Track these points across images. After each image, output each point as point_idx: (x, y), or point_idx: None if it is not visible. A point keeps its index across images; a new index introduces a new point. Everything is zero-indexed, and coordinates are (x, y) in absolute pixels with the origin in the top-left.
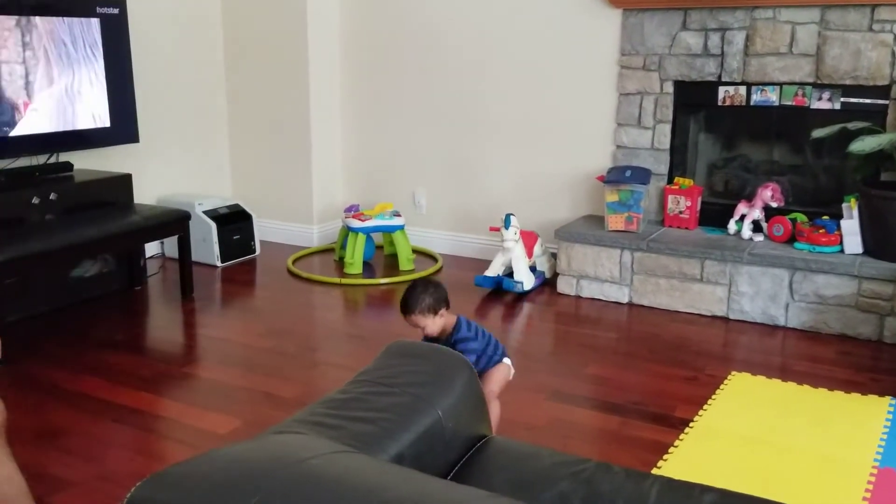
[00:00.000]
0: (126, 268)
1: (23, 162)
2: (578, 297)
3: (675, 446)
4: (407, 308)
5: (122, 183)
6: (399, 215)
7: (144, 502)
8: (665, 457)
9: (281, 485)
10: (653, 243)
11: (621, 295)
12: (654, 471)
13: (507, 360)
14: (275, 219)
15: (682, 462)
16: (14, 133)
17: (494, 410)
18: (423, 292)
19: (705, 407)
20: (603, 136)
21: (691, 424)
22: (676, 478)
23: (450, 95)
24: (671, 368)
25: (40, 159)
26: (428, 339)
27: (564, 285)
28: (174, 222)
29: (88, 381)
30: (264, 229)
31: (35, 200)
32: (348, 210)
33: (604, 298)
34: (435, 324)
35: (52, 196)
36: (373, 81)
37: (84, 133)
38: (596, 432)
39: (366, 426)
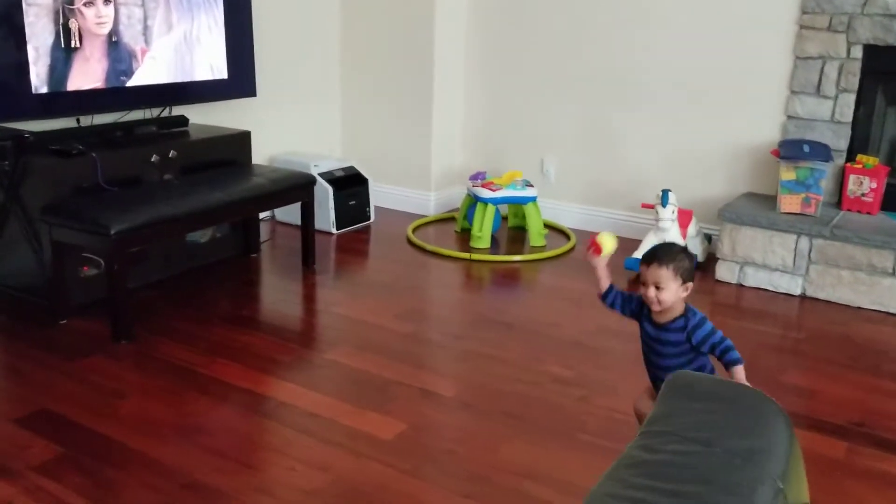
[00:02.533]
0: (241, 233)
1: (135, 115)
2: (741, 286)
3: None
4: (659, 258)
5: (241, 141)
6: (531, 185)
7: None
8: None
9: None
10: (837, 230)
11: (793, 286)
12: None
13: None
14: (388, 183)
15: None
16: (131, 83)
17: None
18: (683, 254)
19: None
20: (772, 106)
21: None
22: None
23: (587, 54)
24: (883, 381)
25: (153, 112)
26: (639, 307)
27: (725, 272)
28: (300, 187)
29: (223, 365)
30: (377, 194)
31: (154, 158)
32: (475, 178)
33: (771, 289)
34: (675, 293)
35: (172, 154)
36: (502, 36)
37: (201, 85)
38: (820, 461)
39: None
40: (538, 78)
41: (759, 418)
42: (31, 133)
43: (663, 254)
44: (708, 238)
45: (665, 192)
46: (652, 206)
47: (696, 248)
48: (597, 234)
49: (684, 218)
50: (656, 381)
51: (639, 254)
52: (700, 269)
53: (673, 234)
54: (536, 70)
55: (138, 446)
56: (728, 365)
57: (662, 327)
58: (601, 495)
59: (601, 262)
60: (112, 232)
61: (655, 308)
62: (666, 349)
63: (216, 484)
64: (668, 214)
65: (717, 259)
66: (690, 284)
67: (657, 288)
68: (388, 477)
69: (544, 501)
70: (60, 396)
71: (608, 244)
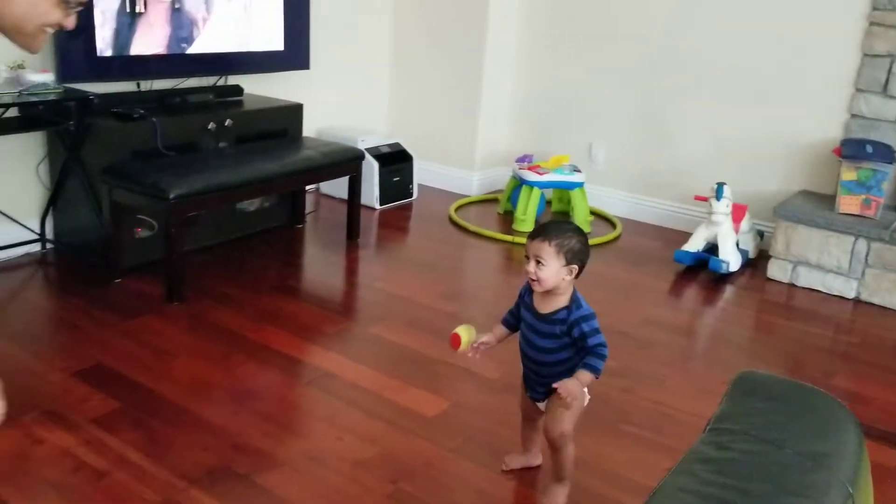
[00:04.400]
0: (288, 203)
1: (191, 82)
2: (792, 286)
3: None
4: (545, 233)
5: (294, 113)
6: (579, 171)
7: None
8: None
9: None
10: None
11: (847, 289)
12: None
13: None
14: (433, 161)
15: None
16: (190, 50)
17: (570, 453)
18: (573, 234)
19: None
20: (835, 103)
21: None
22: None
23: (645, 37)
24: None
25: (209, 80)
26: (524, 293)
27: (777, 270)
28: (349, 161)
29: (271, 332)
30: (421, 172)
31: (211, 126)
32: (521, 160)
33: (824, 291)
34: (556, 273)
35: (228, 122)
36: (557, 18)
37: (258, 55)
38: (873, 469)
39: None
40: (591, 61)
41: (831, 422)
42: (96, 95)
43: (552, 229)
44: (760, 234)
45: (720, 185)
46: (705, 199)
47: (748, 244)
48: (648, 224)
49: (738, 213)
50: (528, 379)
51: (689, 247)
52: (751, 266)
53: (726, 229)
54: (590, 53)
55: (189, 405)
56: (584, 367)
57: (543, 318)
58: (673, 488)
59: (488, 342)
60: (171, 196)
61: (536, 288)
62: (542, 341)
63: (266, 448)
64: (722, 208)
65: (770, 256)
66: (576, 268)
67: (538, 263)
68: (433, 454)
69: (586, 488)
70: (116, 353)
71: (465, 336)
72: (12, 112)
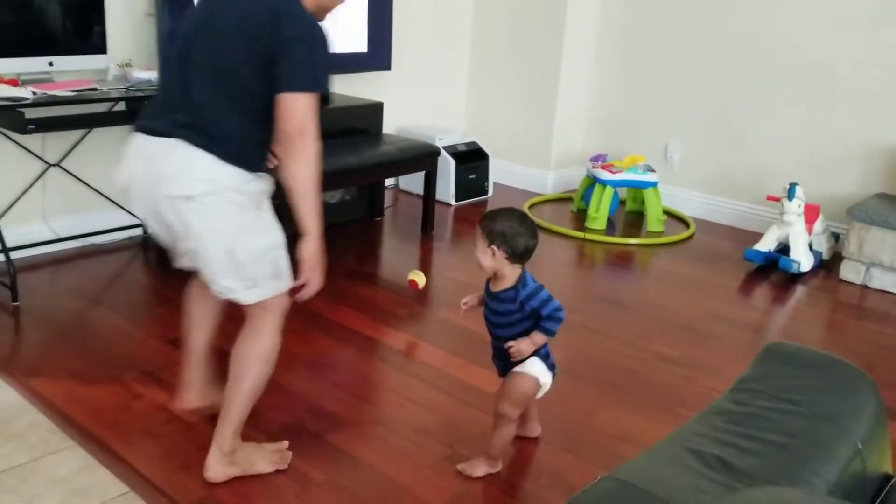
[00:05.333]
0: (367, 197)
1: None
2: (865, 288)
3: None
4: (483, 219)
5: (375, 111)
6: (653, 171)
7: None
8: None
9: None
10: None
11: None
12: None
13: (536, 367)
14: (508, 160)
15: None
16: None
17: (503, 433)
18: (504, 219)
19: None
20: None
21: None
22: None
23: (720, 39)
24: None
25: None
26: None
27: (849, 272)
28: (425, 157)
29: (347, 312)
30: (497, 170)
31: None
32: (595, 159)
33: None
34: (485, 254)
35: None
36: (631, 20)
37: (342, 57)
38: None
39: (782, 454)
40: (667, 62)
41: (849, 388)
42: None
43: (486, 215)
44: (836, 236)
45: (792, 186)
46: (777, 199)
47: (822, 245)
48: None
49: (811, 214)
50: (494, 354)
51: (761, 246)
52: (825, 268)
53: (798, 229)
54: (666, 54)
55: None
56: (539, 330)
57: (495, 297)
58: (689, 433)
59: (469, 301)
60: None
61: (480, 268)
62: (497, 318)
63: (338, 412)
64: (794, 208)
65: (843, 258)
66: (500, 253)
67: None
68: (489, 424)
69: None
70: None
71: (418, 278)
72: (120, 106)
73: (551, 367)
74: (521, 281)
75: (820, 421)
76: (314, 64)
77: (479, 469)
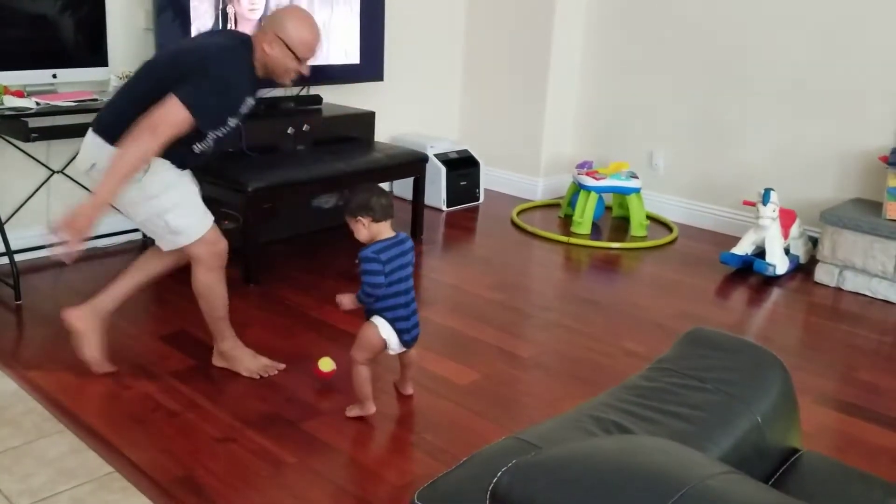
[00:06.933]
0: None
1: (277, 93)
2: (839, 290)
3: None
4: (345, 207)
5: (366, 120)
6: (636, 177)
7: (516, 494)
8: None
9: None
10: None
11: (892, 293)
12: None
13: (379, 322)
14: (499, 167)
15: None
16: None
17: (356, 376)
18: (356, 194)
19: None
20: (890, 112)
21: None
22: None
23: (703, 49)
24: None
25: (293, 90)
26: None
27: (823, 274)
28: (413, 163)
29: (331, 311)
30: (488, 177)
31: (290, 131)
32: (580, 166)
33: (870, 295)
34: (358, 230)
35: (305, 128)
36: (619, 30)
37: (335, 68)
38: (888, 455)
39: (681, 423)
40: (652, 68)
41: (756, 367)
42: None
43: (347, 201)
44: (814, 241)
45: (767, 191)
46: (753, 204)
47: (799, 249)
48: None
49: (788, 218)
50: None
51: (737, 250)
52: (801, 271)
53: (773, 233)
54: (650, 64)
55: None
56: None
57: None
58: (596, 403)
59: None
60: (249, 189)
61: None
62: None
63: (314, 402)
64: (769, 213)
65: (818, 261)
66: (365, 219)
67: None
68: (459, 415)
69: None
70: (197, 322)
71: (326, 365)
72: None
73: (401, 332)
74: (375, 242)
75: (723, 396)
76: (202, 90)
77: (353, 411)
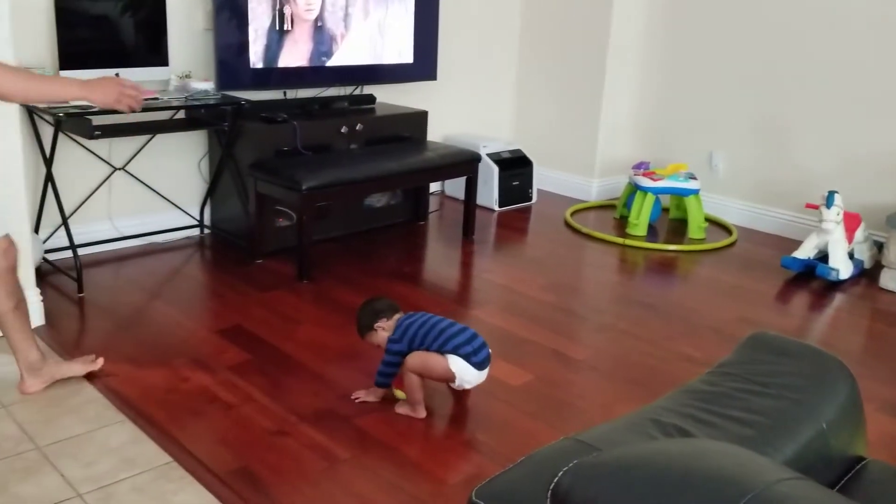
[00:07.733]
0: (412, 202)
1: (331, 92)
2: None
3: None
4: (358, 328)
5: (419, 119)
6: (695, 178)
7: (577, 494)
8: None
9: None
10: None
11: None
12: None
13: (449, 356)
14: (553, 168)
15: None
16: (330, 63)
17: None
18: (361, 312)
19: None
20: None
21: None
22: None
23: (765, 49)
24: None
25: (346, 89)
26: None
27: (889, 280)
28: (465, 163)
29: None
30: (541, 177)
31: (343, 129)
32: (637, 167)
33: None
34: (379, 338)
35: (359, 127)
36: (677, 28)
37: (389, 68)
38: None
39: (743, 429)
40: (712, 67)
41: (821, 373)
42: (248, 101)
43: (357, 325)
44: (879, 246)
45: (831, 194)
46: (816, 207)
47: (864, 253)
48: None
49: (852, 222)
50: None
51: (799, 254)
52: (866, 277)
53: (836, 237)
54: (711, 64)
55: (307, 361)
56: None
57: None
58: (656, 407)
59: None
60: (303, 188)
61: (379, 347)
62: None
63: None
64: (833, 216)
65: (883, 267)
66: (380, 323)
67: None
68: (512, 415)
69: None
70: (252, 318)
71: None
72: (180, 114)
73: (468, 356)
74: (395, 331)
75: (787, 401)
76: None
77: (402, 408)
